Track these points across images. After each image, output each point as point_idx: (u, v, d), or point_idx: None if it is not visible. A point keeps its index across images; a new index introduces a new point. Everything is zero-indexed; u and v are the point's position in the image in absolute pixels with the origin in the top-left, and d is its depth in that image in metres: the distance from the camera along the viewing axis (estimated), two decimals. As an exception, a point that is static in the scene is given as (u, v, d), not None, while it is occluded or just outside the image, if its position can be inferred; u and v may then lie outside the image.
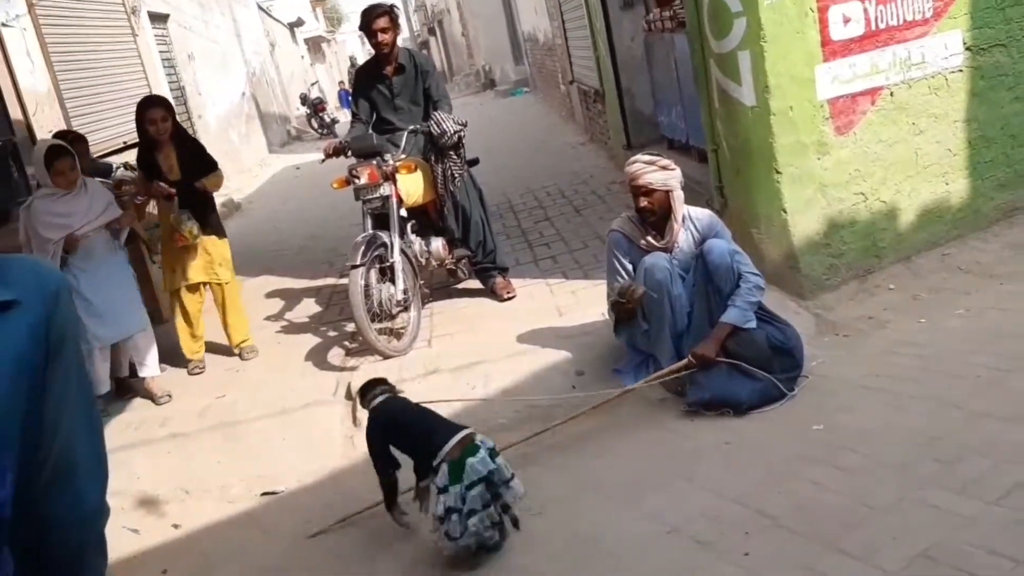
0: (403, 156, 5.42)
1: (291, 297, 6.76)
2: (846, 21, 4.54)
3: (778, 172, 4.61)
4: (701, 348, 3.88)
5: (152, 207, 5.75)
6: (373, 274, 4.99)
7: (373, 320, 4.89)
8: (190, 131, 9.42)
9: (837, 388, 3.81)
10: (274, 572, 3.38)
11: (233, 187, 12.44)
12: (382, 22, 5.54)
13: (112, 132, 9.35)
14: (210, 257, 5.41)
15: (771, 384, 3.76)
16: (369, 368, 4.70)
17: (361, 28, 5.78)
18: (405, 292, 5.07)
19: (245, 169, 15.36)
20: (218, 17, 17.90)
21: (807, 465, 3.23)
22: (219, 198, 6.37)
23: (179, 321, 5.48)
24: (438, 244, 5.61)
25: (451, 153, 5.40)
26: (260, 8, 25.23)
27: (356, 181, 5.21)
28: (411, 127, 5.52)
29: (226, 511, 3.91)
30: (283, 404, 4.64)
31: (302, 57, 35.94)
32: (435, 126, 5.33)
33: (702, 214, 4.12)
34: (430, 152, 5.51)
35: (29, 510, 1.18)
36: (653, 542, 2.99)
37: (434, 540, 3.07)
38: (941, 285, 4.62)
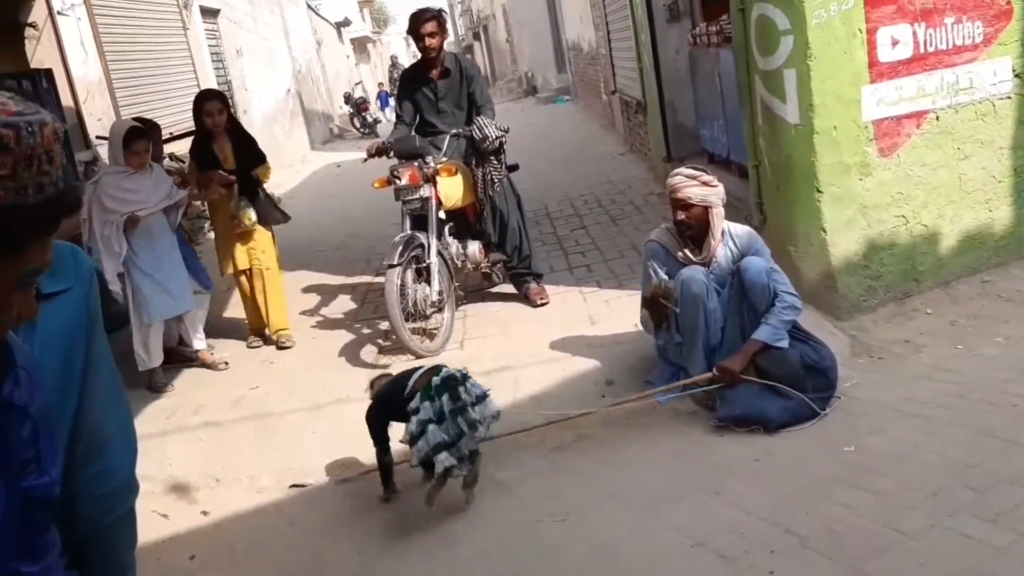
0: (444, 159, 5.48)
1: (327, 293, 6.83)
2: (894, 43, 4.51)
3: (819, 191, 4.59)
4: (728, 362, 3.88)
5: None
6: (409, 274, 5.05)
7: (407, 320, 4.94)
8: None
9: (870, 410, 3.79)
10: (299, 564, 3.42)
11: (275, 182, 12.50)
12: (430, 26, 5.60)
13: (160, 123, 9.50)
14: (254, 244, 5.65)
15: (803, 403, 3.74)
16: (401, 367, 4.73)
17: (409, 32, 5.85)
18: (440, 293, 5.11)
19: (287, 165, 15.53)
20: (267, 14, 18.12)
21: (837, 487, 3.21)
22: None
23: (242, 301, 5.86)
24: (474, 247, 5.66)
25: (492, 158, 5.46)
26: (309, 7, 25.50)
27: (397, 181, 5.27)
28: (453, 131, 5.58)
29: (254, 501, 3.96)
30: (315, 398, 4.69)
31: (347, 57, 36.26)
32: (477, 131, 5.39)
33: (742, 231, 4.11)
34: (471, 156, 5.56)
35: (64, 483, 1.22)
36: (677, 555, 2.99)
37: (409, 457, 3.43)
38: (980, 312, 4.57)
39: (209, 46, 12.71)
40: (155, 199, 5.12)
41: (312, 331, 6.02)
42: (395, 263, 4.90)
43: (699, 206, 3.97)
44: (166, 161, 6.60)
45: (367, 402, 4.37)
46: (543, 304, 5.65)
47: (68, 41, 7.94)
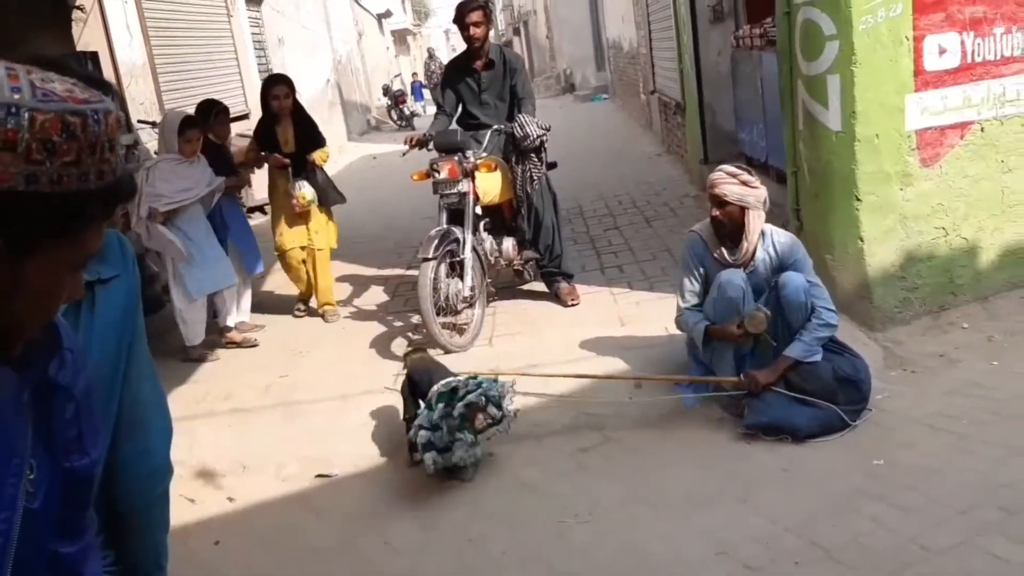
0: (484, 154, 5.49)
1: (359, 284, 6.86)
2: (941, 52, 4.45)
3: (858, 199, 4.53)
4: (756, 372, 3.86)
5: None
6: (443, 268, 5.05)
7: (438, 314, 4.95)
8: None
9: (901, 424, 3.74)
10: (323, 553, 3.44)
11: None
12: (476, 16, 5.63)
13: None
14: (310, 224, 5.95)
15: (833, 414, 3.70)
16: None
17: (455, 20, 5.85)
18: (472, 289, 5.12)
19: (323, 155, 15.59)
20: (310, 3, 18.22)
21: (865, 500, 3.18)
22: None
23: (289, 275, 6.19)
24: (508, 244, 5.68)
25: (532, 156, 5.46)
26: (351, -3, 25.62)
27: (436, 175, 5.28)
28: (495, 127, 5.59)
29: (280, 489, 4.00)
30: (343, 389, 4.72)
31: (387, 48, 36.40)
32: (519, 129, 5.38)
33: (785, 238, 4.05)
34: (511, 153, 5.56)
35: (106, 462, 1.25)
36: (702, 562, 2.97)
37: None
38: (1018, 328, 4.49)
39: (252, 34, 12.81)
40: (201, 186, 5.37)
41: (343, 322, 6.06)
42: (430, 257, 4.90)
43: (735, 205, 3.91)
44: (234, 137, 7.13)
45: (394, 395, 4.43)
46: (574, 304, 5.64)
47: (114, 24, 8.03)
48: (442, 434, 3.63)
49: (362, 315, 6.15)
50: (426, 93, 27.55)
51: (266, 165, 6.08)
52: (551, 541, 3.26)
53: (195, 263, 5.33)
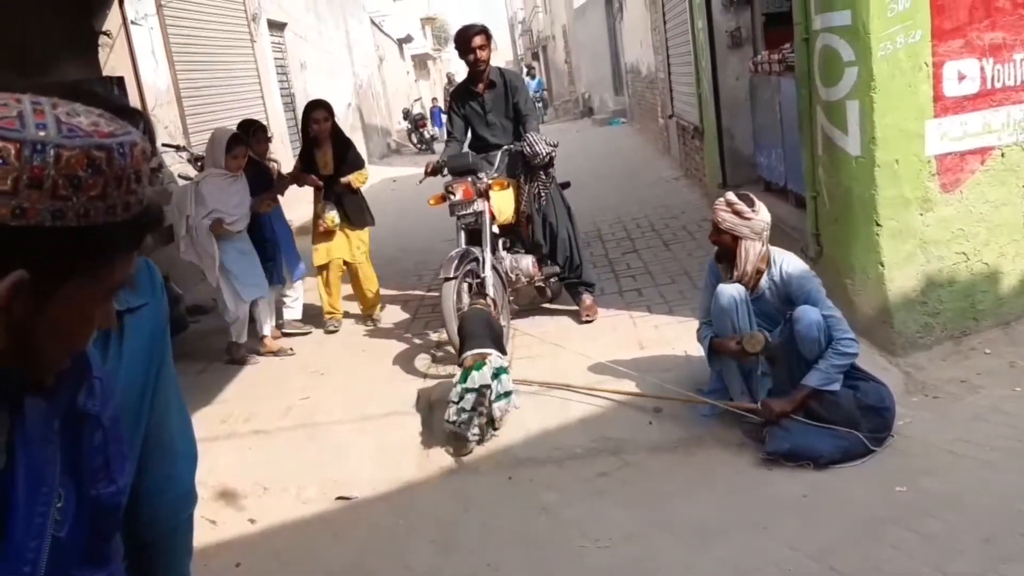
0: (496, 174, 5.62)
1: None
2: (961, 78, 4.45)
3: (878, 224, 4.53)
4: (774, 401, 3.86)
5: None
6: (464, 287, 5.14)
7: None
8: (296, 137, 9.80)
9: (923, 451, 3.72)
10: None
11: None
12: (479, 39, 5.77)
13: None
14: (350, 241, 6.31)
15: (856, 440, 3.69)
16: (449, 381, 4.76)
17: (457, 47, 6.00)
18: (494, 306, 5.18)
19: (343, 177, 15.69)
20: (332, 29, 18.43)
21: (886, 527, 3.16)
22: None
23: (321, 288, 6.45)
24: (527, 261, 5.77)
25: (540, 173, 5.61)
26: (373, 23, 25.88)
27: (451, 197, 5.40)
28: (505, 146, 5.73)
29: (300, 511, 4.01)
30: (364, 410, 4.74)
31: (407, 73, 36.67)
32: (528, 147, 5.54)
33: (796, 268, 4.00)
34: (519, 171, 5.70)
35: (132, 488, 1.25)
36: (720, 588, 2.96)
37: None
38: (1041, 355, 4.46)
39: (275, 58, 12.96)
40: (247, 203, 5.79)
41: (363, 343, 6.10)
42: (451, 276, 5.01)
43: (727, 233, 3.98)
44: (271, 154, 7.52)
45: (415, 416, 4.47)
46: (588, 320, 5.74)
47: (140, 50, 8.16)
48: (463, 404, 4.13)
49: (382, 335, 6.18)
50: (444, 119, 27.69)
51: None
52: (568, 566, 3.25)
53: (244, 271, 5.71)
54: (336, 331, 6.43)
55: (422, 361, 5.45)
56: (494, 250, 5.44)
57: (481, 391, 4.17)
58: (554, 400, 4.47)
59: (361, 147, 18.96)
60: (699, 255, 6.73)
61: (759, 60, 7.22)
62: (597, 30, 22.82)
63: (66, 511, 1.03)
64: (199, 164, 6.71)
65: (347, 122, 17.85)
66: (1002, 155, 4.58)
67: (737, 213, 3.95)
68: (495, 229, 5.55)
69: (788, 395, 3.87)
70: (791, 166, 6.37)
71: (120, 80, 7.76)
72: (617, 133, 19.10)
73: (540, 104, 25.02)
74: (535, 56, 43.46)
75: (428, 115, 26.52)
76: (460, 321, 4.69)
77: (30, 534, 0.97)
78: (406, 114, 25.11)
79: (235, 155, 5.67)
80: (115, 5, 7.92)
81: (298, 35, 14.74)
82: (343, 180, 6.18)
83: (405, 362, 5.49)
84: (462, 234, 5.47)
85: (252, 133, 6.30)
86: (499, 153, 5.72)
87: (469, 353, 4.37)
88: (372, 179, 17.76)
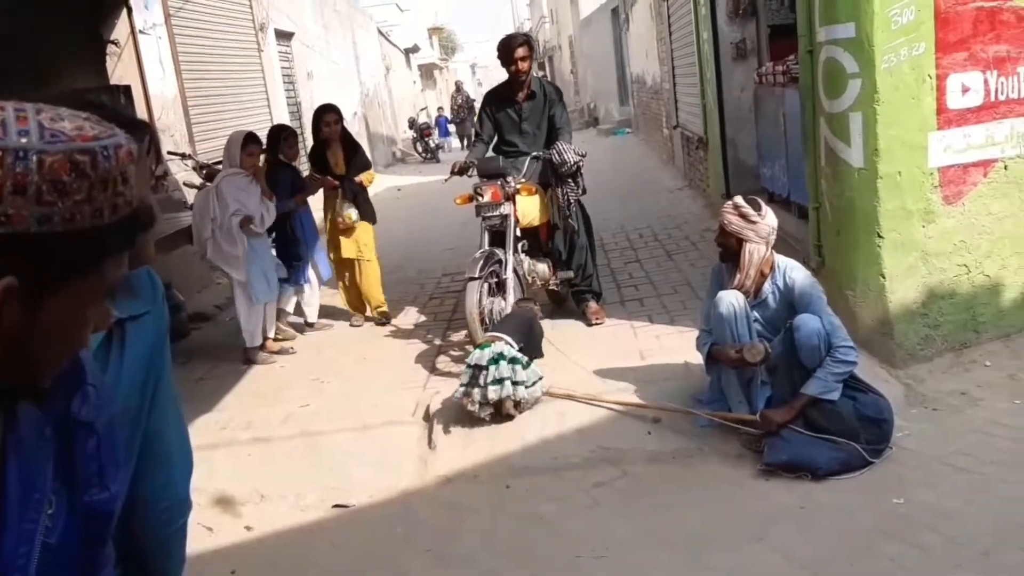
0: (523, 179, 5.72)
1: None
2: (964, 91, 4.45)
3: (880, 236, 4.52)
4: (772, 412, 3.85)
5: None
6: (485, 288, 5.26)
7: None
8: (303, 145, 9.85)
9: (921, 463, 3.70)
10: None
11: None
12: (522, 51, 5.87)
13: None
14: (358, 238, 6.47)
15: (854, 452, 3.67)
16: (449, 392, 4.75)
17: (500, 56, 6.05)
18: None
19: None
20: (339, 39, 18.49)
21: (883, 539, 3.14)
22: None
23: (341, 286, 6.71)
24: (544, 265, 5.92)
25: (569, 180, 5.72)
26: (380, 32, 25.96)
27: (480, 198, 5.50)
28: (534, 153, 5.83)
29: (298, 519, 4.01)
30: (363, 419, 4.74)
31: (414, 82, 36.77)
32: (557, 155, 5.64)
33: (800, 276, 4.01)
34: (549, 178, 5.82)
35: (128, 495, 1.25)
36: (716, 599, 2.95)
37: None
38: (1042, 367, 4.44)
39: (282, 67, 13.01)
40: (269, 205, 5.94)
41: (363, 350, 6.09)
42: (476, 276, 5.14)
43: (732, 236, 4.00)
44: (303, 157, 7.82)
45: (414, 426, 4.47)
46: (598, 323, 5.82)
47: (147, 59, 8.20)
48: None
49: (383, 343, 6.18)
50: (451, 128, 27.71)
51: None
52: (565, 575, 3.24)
53: (260, 274, 5.84)
54: (360, 326, 6.66)
55: (423, 370, 5.45)
56: (515, 253, 5.57)
57: (476, 368, 4.35)
58: (552, 409, 4.46)
59: (367, 155, 19.02)
60: (702, 265, 6.73)
61: (763, 72, 7.23)
62: (603, 41, 22.87)
63: (57, 518, 1.03)
64: (204, 172, 6.76)
65: (353, 131, 17.81)
66: (1005, 167, 4.58)
67: (743, 216, 3.97)
68: (517, 232, 5.67)
69: (787, 404, 3.86)
70: (794, 177, 6.37)
71: (127, 88, 7.79)
72: (622, 143, 19.12)
73: None
74: (541, 66, 43.55)
75: (434, 124, 26.65)
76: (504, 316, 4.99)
77: (20, 540, 0.97)
78: (411, 123, 25.17)
79: (250, 152, 5.83)
80: (124, 14, 7.97)
81: (305, 44, 14.80)
82: (357, 179, 6.41)
83: (405, 370, 5.49)
84: (486, 235, 5.59)
85: (284, 139, 6.45)
86: (527, 159, 5.83)
87: (487, 334, 4.65)
88: (377, 188, 17.86)
